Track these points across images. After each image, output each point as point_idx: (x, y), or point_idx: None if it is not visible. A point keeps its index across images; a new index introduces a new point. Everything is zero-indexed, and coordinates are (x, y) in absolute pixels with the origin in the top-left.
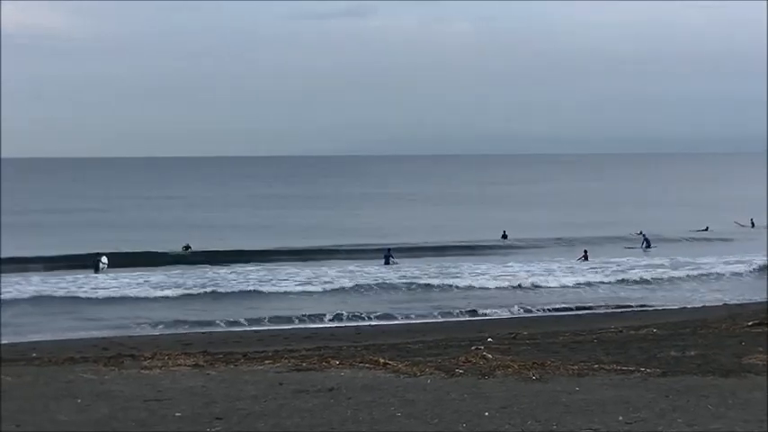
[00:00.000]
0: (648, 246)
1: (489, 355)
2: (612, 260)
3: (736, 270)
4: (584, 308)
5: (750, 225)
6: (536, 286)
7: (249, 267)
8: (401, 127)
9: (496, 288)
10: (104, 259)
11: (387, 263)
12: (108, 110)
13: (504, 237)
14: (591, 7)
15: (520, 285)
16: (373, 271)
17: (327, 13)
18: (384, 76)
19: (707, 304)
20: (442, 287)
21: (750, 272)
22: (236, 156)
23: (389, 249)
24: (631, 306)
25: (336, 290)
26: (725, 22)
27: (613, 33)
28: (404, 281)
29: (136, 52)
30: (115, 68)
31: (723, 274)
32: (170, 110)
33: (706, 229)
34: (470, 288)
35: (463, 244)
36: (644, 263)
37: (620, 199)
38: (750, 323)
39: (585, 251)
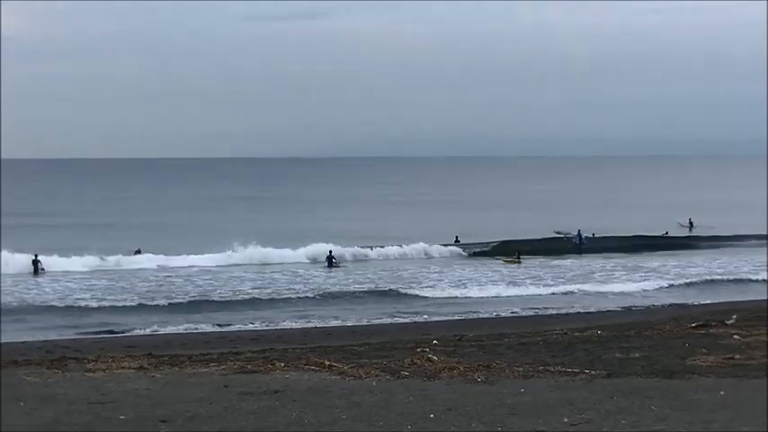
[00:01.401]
0: (581, 243)
1: (435, 358)
2: (553, 263)
3: (645, 287)
4: (531, 309)
5: (688, 225)
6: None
7: (195, 269)
8: (358, 130)
9: (442, 290)
10: (43, 262)
11: (330, 265)
12: (55, 112)
13: (457, 241)
14: (547, 9)
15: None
16: (317, 274)
17: (284, 14)
18: (341, 79)
19: (652, 306)
20: (388, 291)
21: (657, 290)
22: (189, 157)
23: (331, 251)
24: (574, 307)
25: (283, 292)
26: (682, 25)
27: (574, 35)
28: (349, 283)
29: (89, 54)
30: (61, 70)
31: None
32: (121, 111)
33: (666, 234)
34: (416, 290)
35: (414, 248)
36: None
37: (581, 202)
38: (694, 324)
39: (518, 252)
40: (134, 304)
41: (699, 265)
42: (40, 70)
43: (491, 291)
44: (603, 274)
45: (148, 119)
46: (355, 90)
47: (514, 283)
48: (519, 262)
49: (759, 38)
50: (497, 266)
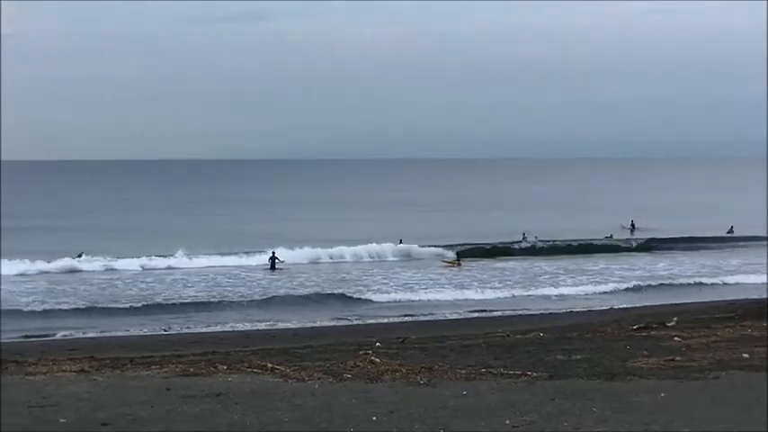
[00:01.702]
0: (528, 246)
1: (377, 360)
2: (497, 266)
3: (587, 290)
4: (474, 311)
5: (630, 228)
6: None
7: (139, 272)
8: (300, 132)
9: (386, 293)
10: None
11: (272, 267)
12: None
13: (400, 242)
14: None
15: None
16: (260, 277)
17: (226, 15)
18: (283, 81)
19: (593, 308)
20: (332, 294)
21: (600, 293)
22: (132, 159)
23: (274, 253)
24: (516, 310)
25: (227, 295)
26: (654, 27)
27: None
28: (294, 286)
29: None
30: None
31: None
32: (60, 113)
33: (610, 237)
34: (360, 293)
35: (366, 249)
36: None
37: (540, 203)
38: (635, 327)
39: (458, 255)
40: (76, 307)
41: (641, 267)
42: None
43: (436, 294)
44: (547, 276)
45: (94, 122)
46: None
47: (459, 286)
48: (459, 265)
49: (760, 38)
50: (442, 269)
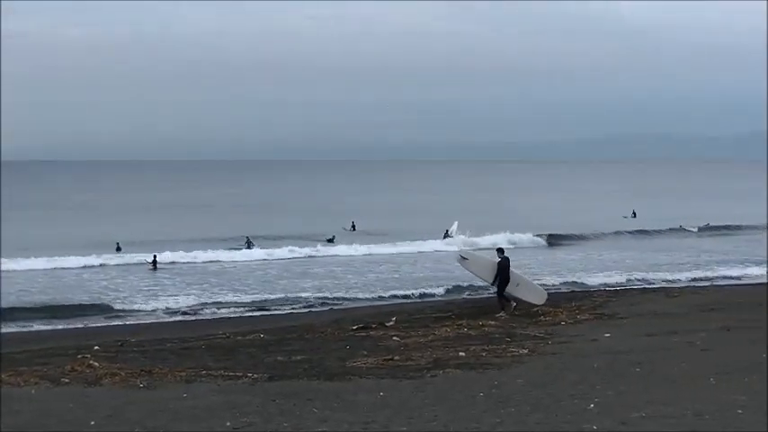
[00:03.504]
0: (249, 248)
1: (96, 364)
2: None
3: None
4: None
5: (351, 229)
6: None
7: None
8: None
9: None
10: None
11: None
12: None
13: (119, 249)
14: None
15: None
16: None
17: None
18: None
19: (313, 309)
20: (50, 298)
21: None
22: None
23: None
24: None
25: None
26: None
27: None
28: (14, 291)
29: None
30: None
31: None
32: None
33: (332, 238)
34: (82, 299)
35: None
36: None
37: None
38: (355, 327)
39: (155, 256)
40: None
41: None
42: None
43: (144, 297)
44: (267, 278)
45: None
46: None
47: (162, 289)
48: (155, 269)
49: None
50: (143, 273)
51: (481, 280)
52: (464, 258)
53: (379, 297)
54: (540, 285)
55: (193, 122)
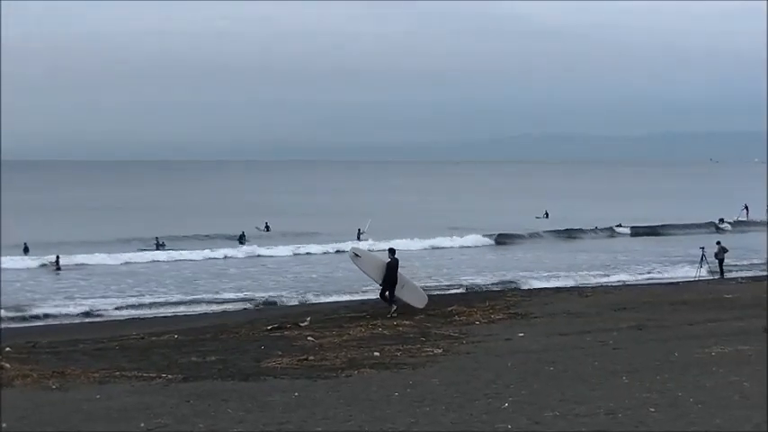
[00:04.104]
0: (159, 248)
1: (8, 365)
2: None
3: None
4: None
5: (265, 229)
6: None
7: None
8: None
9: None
10: None
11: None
12: None
13: (26, 250)
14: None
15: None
16: None
17: None
18: None
19: (228, 309)
20: None
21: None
22: None
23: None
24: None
25: None
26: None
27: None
28: None
29: None
30: None
31: None
32: None
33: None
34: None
35: None
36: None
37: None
38: (269, 327)
39: (57, 256)
40: None
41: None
42: None
43: (56, 299)
44: (181, 279)
45: None
46: None
47: (76, 290)
48: (58, 269)
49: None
50: (53, 275)
51: (371, 279)
52: (357, 256)
53: (296, 297)
54: (422, 288)
55: None
